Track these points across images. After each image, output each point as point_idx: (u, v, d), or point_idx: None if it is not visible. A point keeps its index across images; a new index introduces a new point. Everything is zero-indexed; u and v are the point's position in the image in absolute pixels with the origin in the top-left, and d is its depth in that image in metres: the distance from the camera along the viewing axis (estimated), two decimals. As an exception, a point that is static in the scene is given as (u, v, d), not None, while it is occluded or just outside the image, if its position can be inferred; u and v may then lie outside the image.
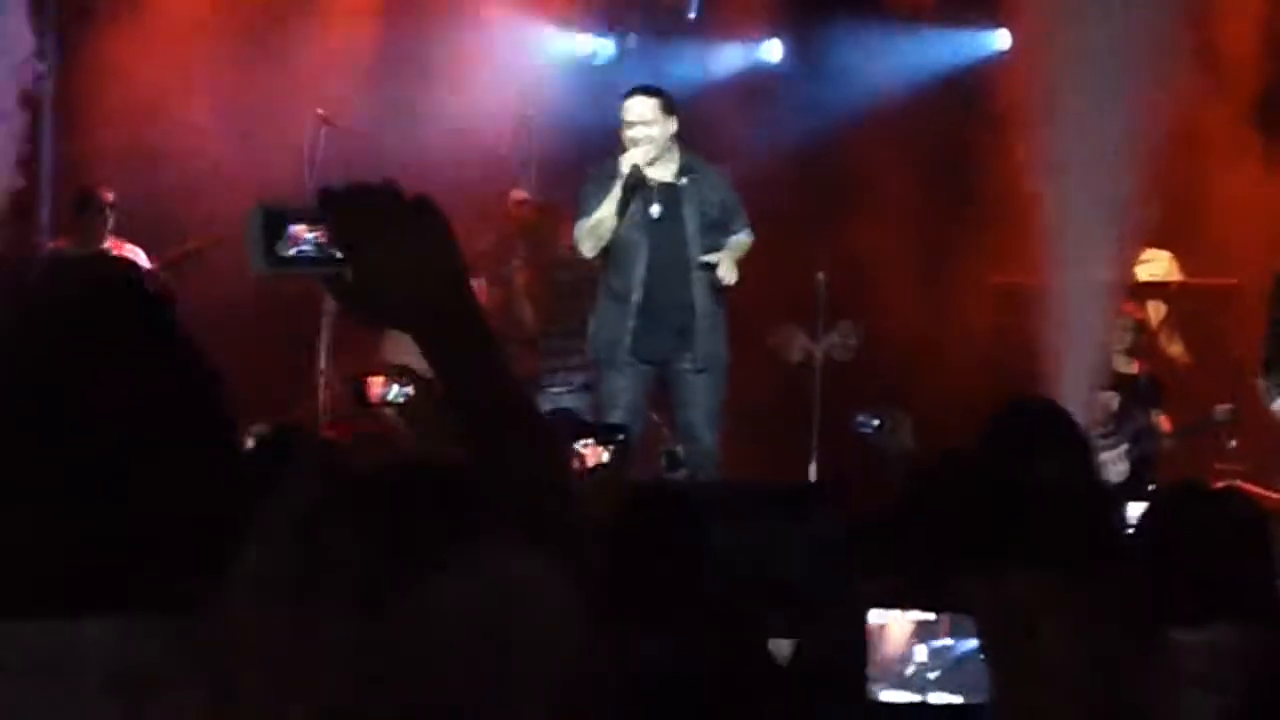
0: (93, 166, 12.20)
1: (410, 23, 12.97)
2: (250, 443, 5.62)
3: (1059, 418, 3.81)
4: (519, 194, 12.22)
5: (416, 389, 8.13)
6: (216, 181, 11.42)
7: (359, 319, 2.21)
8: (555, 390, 11.50)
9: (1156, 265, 11.77)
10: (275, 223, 2.19)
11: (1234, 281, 11.31)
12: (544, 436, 2.26)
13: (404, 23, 12.97)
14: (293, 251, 2.19)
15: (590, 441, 6.68)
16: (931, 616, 3.80)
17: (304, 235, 2.18)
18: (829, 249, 11.80)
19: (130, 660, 1.97)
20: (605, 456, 6.62)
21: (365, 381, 7.01)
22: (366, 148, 12.37)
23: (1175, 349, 11.64)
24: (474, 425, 2.20)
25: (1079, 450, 3.64)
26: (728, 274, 9.09)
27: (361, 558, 3.01)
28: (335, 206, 2.17)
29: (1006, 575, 3.26)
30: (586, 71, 13.24)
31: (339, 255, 2.17)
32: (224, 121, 12.41)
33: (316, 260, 2.19)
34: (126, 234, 11.76)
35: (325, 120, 12.30)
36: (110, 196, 11.71)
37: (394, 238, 2.15)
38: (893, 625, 3.96)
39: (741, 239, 9.28)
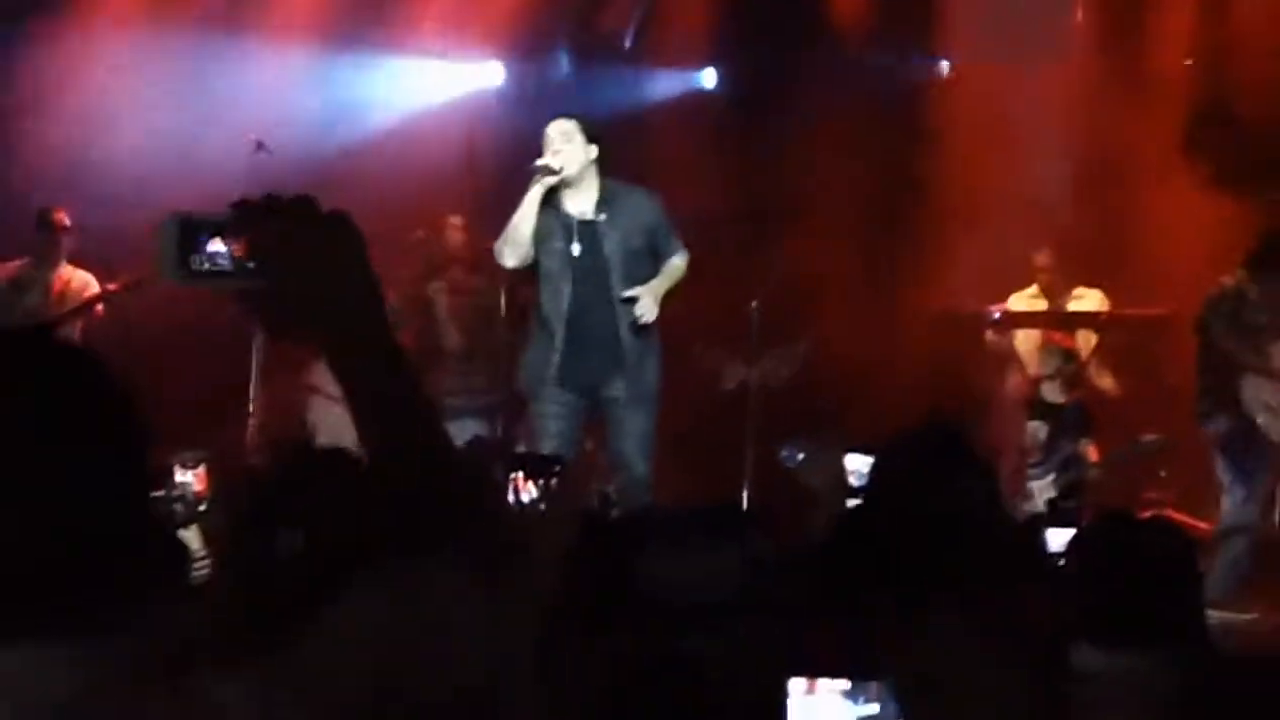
0: (29, 188, 12.13)
1: (345, 50, 12.92)
2: (179, 471, 5.60)
3: (952, 443, 3.78)
4: (455, 220, 12.22)
5: None
6: (147, 207, 11.34)
7: (270, 331, 2.19)
8: (456, 418, 11.54)
9: (1087, 303, 11.84)
10: (189, 234, 2.17)
11: (1164, 311, 11.36)
12: (448, 452, 2.24)
13: (339, 49, 12.91)
14: (206, 263, 2.17)
15: (522, 474, 6.65)
16: (848, 685, 3.77)
17: (218, 247, 2.16)
18: (764, 275, 11.81)
19: (44, 689, 1.94)
20: (534, 491, 6.60)
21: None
22: (300, 172, 12.36)
23: (1105, 381, 11.69)
24: (379, 439, 2.18)
25: (974, 477, 3.61)
26: (647, 312, 9.00)
27: (275, 577, 2.99)
28: (249, 219, 2.15)
29: (923, 641, 3.24)
30: (522, 99, 13.23)
31: (252, 267, 2.15)
32: (157, 145, 12.35)
33: (230, 272, 2.17)
34: (79, 258, 11.73)
35: (258, 145, 12.26)
36: (66, 219, 11.68)
37: (308, 251, 2.13)
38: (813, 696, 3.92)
39: (674, 264, 9.20)
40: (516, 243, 8.99)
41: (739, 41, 13.05)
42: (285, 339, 2.20)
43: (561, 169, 8.91)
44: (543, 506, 6.35)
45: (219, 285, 2.19)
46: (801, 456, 4.25)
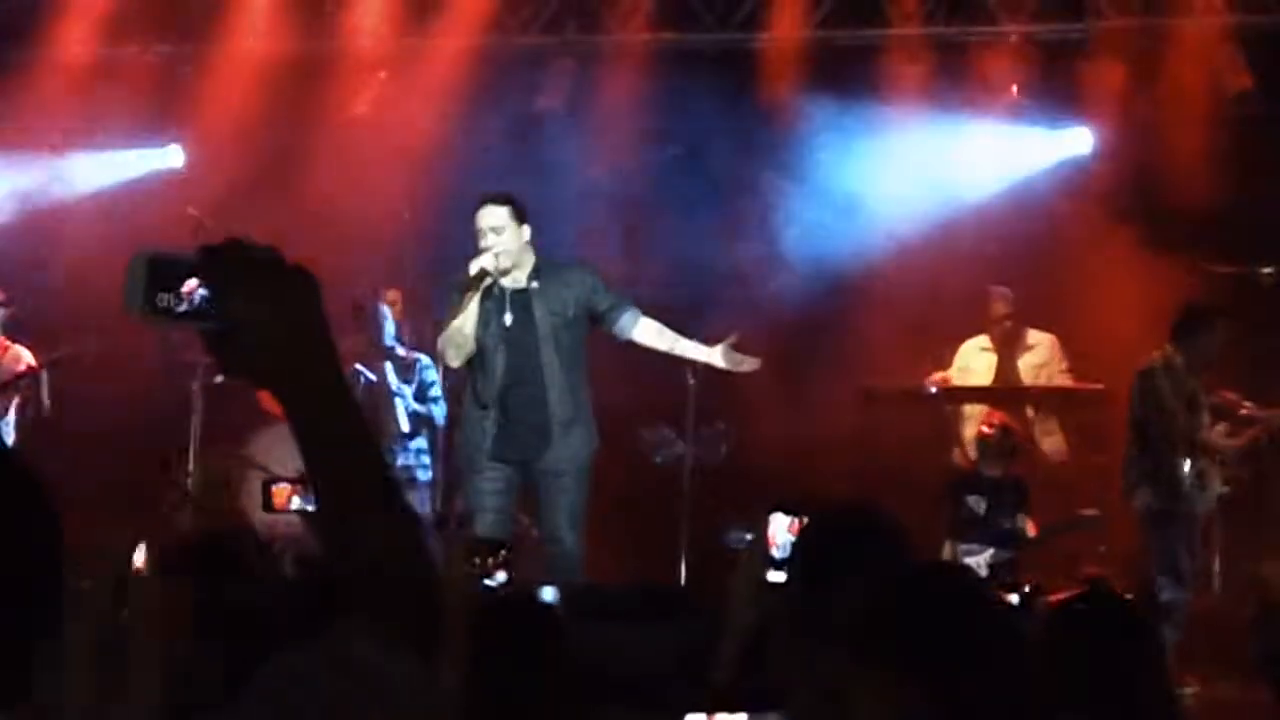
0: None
1: (286, 124, 12.95)
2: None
3: (871, 522, 3.80)
4: (392, 294, 12.23)
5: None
6: (89, 281, 11.35)
7: (228, 373, 2.22)
8: (400, 478, 11.53)
9: (1039, 352, 11.92)
10: (159, 272, 2.21)
11: (1100, 386, 11.44)
12: (401, 504, 2.27)
13: (281, 122, 12.94)
14: (171, 302, 2.20)
15: (485, 560, 6.63)
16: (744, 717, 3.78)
17: (185, 287, 2.20)
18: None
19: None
20: (502, 577, 6.58)
21: (271, 490, 7.00)
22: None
23: (1050, 442, 11.74)
24: (329, 491, 2.21)
25: (892, 558, 3.62)
26: (748, 364, 9.24)
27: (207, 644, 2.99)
28: (215, 263, 2.18)
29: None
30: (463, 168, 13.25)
31: (215, 309, 2.19)
32: (99, 222, 12.36)
33: (193, 313, 2.20)
34: (13, 332, 11.71)
35: (199, 221, 12.29)
36: (1, 294, 11.68)
37: (269, 297, 2.17)
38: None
39: (646, 324, 9.16)
40: (460, 345, 9.00)
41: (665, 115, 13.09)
42: (242, 379, 2.23)
43: (498, 268, 8.94)
44: (495, 587, 6.33)
45: (182, 324, 2.23)
46: (750, 538, 4.27)
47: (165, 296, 2.21)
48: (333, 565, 2.18)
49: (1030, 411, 11.87)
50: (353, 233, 12.43)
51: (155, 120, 12.97)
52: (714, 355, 9.28)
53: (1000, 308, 12.03)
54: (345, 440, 2.21)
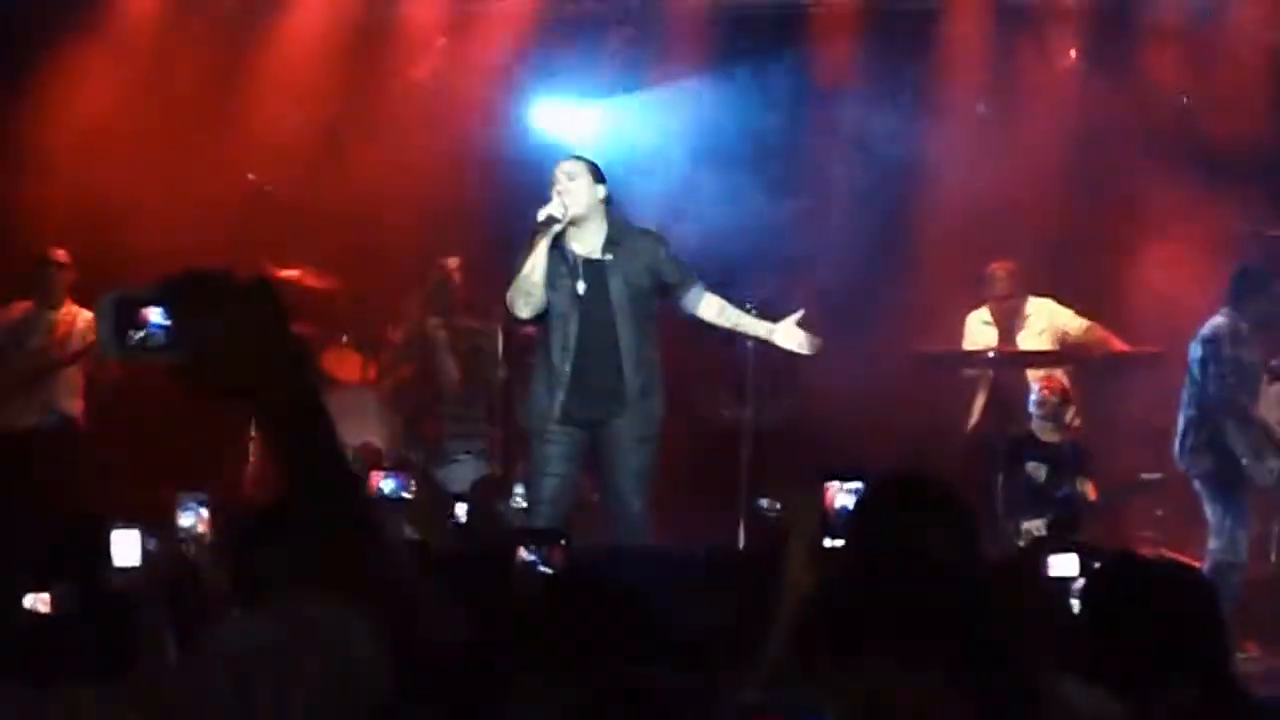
0: (30, 225, 12.22)
1: (344, 89, 13.01)
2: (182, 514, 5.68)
3: (928, 489, 3.84)
4: (453, 261, 12.29)
5: (419, 488, 8.19)
6: (150, 244, 11.44)
7: (200, 399, 2.31)
8: (456, 456, 11.60)
9: (1035, 321, 11.88)
10: (126, 310, 2.30)
11: (1159, 350, 11.40)
12: (362, 503, 2.37)
13: (338, 87, 13.00)
14: (141, 338, 2.29)
15: (534, 551, 6.68)
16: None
17: (151, 322, 2.28)
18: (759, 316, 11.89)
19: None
20: (539, 562, 6.64)
21: (366, 473, 7.01)
22: (298, 211, 12.47)
23: (1068, 414, 11.70)
24: (299, 492, 2.30)
25: (954, 524, 3.67)
26: (806, 344, 9.27)
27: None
28: (174, 294, 2.27)
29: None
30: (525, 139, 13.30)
31: (178, 340, 2.28)
32: (160, 185, 12.43)
33: (162, 346, 2.29)
34: (83, 299, 11.78)
35: (257, 185, 12.38)
36: (63, 256, 11.74)
37: (226, 322, 2.25)
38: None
39: (712, 301, 9.25)
40: (529, 293, 9.01)
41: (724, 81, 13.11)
42: (214, 405, 2.32)
43: (566, 214, 8.96)
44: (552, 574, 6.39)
45: (154, 358, 2.31)
46: (778, 506, 4.32)
47: (134, 334, 2.30)
48: (298, 545, 2.28)
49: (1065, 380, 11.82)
50: (412, 199, 12.51)
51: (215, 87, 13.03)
52: (776, 333, 9.32)
53: (1001, 286, 12.00)
54: (312, 443, 2.30)
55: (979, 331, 12.05)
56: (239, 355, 2.27)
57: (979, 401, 11.90)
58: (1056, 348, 11.82)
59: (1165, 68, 12.40)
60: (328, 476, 2.34)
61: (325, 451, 2.35)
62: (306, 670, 2.17)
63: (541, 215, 8.95)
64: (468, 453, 11.88)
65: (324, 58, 12.94)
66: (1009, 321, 11.95)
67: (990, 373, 11.95)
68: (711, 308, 9.23)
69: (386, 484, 6.87)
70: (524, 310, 9.10)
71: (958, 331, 12.12)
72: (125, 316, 2.32)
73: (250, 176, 12.45)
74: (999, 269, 12.02)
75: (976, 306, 12.13)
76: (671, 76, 12.94)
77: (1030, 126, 12.54)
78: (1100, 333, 11.70)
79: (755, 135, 13.05)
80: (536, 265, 8.95)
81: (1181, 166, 12.18)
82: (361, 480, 2.35)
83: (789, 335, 9.29)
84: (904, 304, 12.30)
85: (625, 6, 13.02)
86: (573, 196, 8.96)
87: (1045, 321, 11.88)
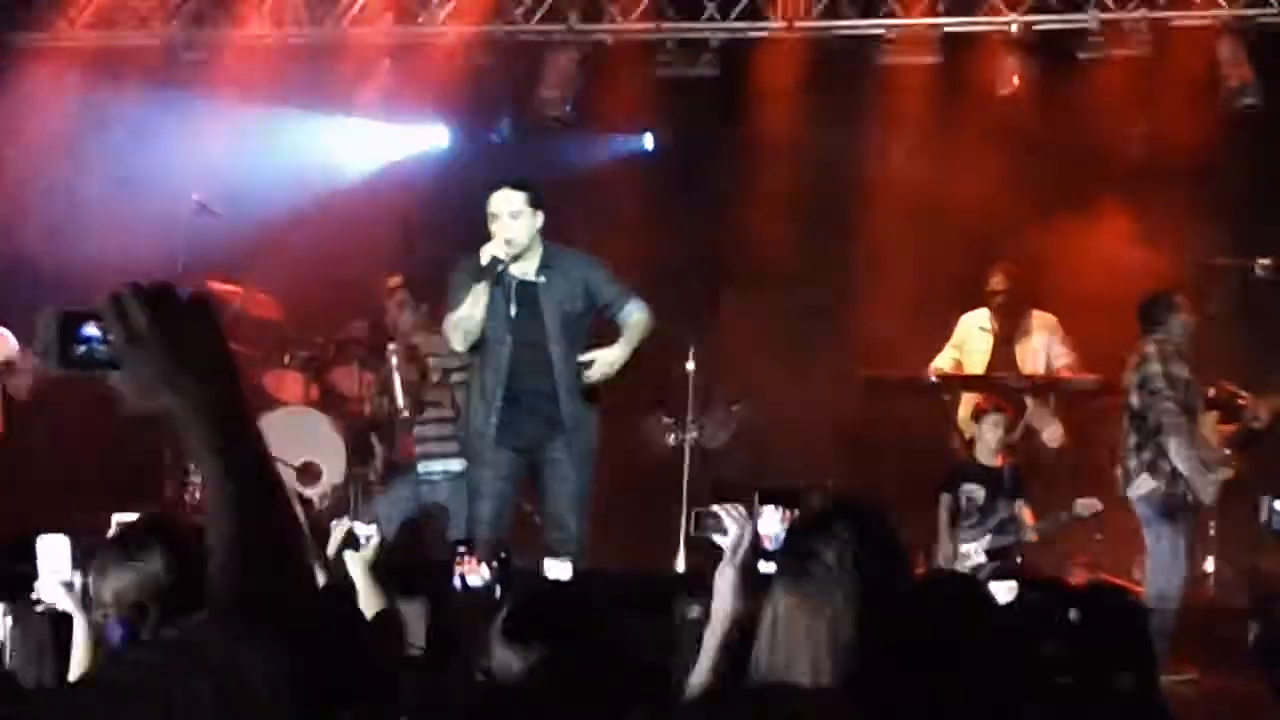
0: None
1: (287, 110, 13.00)
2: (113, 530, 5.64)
3: (859, 514, 3.85)
4: (394, 280, 12.27)
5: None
6: (89, 262, 11.39)
7: (139, 412, 2.32)
8: (433, 477, 11.55)
9: (1038, 337, 11.91)
10: (70, 324, 2.32)
11: (1096, 377, 11.46)
12: (292, 529, 2.38)
13: (281, 108, 12.99)
14: (84, 352, 2.31)
15: (471, 559, 6.69)
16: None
17: (93, 336, 2.31)
18: (700, 337, 11.92)
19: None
20: (487, 574, 6.64)
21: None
22: (239, 232, 12.45)
23: (1049, 431, 11.73)
24: (227, 511, 2.31)
25: (882, 547, 3.69)
26: (595, 373, 9.09)
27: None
28: (116, 309, 2.28)
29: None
30: (462, 164, 13.32)
31: (119, 354, 2.30)
32: (99, 202, 12.40)
33: (104, 360, 2.31)
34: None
35: (201, 205, 12.35)
36: None
37: (165, 337, 2.27)
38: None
39: (636, 319, 9.21)
40: (469, 331, 9.04)
41: (676, 106, 13.13)
42: (144, 411, 2.34)
43: (509, 254, 8.97)
44: (495, 590, 6.39)
45: (96, 372, 2.33)
46: (711, 521, 4.34)
47: (77, 348, 2.33)
48: (212, 567, 2.29)
49: (1028, 399, 11.88)
50: (358, 219, 12.51)
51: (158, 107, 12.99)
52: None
53: (999, 281, 12.01)
54: (240, 461, 2.31)
55: (974, 338, 12.01)
56: (176, 370, 2.29)
57: (959, 421, 11.87)
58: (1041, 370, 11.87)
59: (1109, 95, 12.48)
60: (257, 494, 2.35)
61: (257, 467, 2.35)
62: (194, 698, 2.16)
63: (485, 258, 8.95)
64: (441, 476, 11.71)
65: (269, 77, 12.91)
66: (1008, 329, 11.94)
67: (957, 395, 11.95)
68: (644, 325, 9.23)
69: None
70: (460, 345, 9.14)
71: (910, 354, 12.11)
72: (68, 330, 2.34)
73: (195, 197, 12.42)
74: (999, 268, 12.01)
75: (945, 314, 12.12)
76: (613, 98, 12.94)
77: (973, 153, 12.60)
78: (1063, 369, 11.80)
79: (698, 155, 13.09)
80: (479, 305, 8.96)
81: (1125, 195, 12.29)
82: (289, 500, 2.34)
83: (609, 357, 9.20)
84: (851, 325, 12.34)
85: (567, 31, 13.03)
86: (516, 231, 8.96)
87: (1043, 343, 11.89)
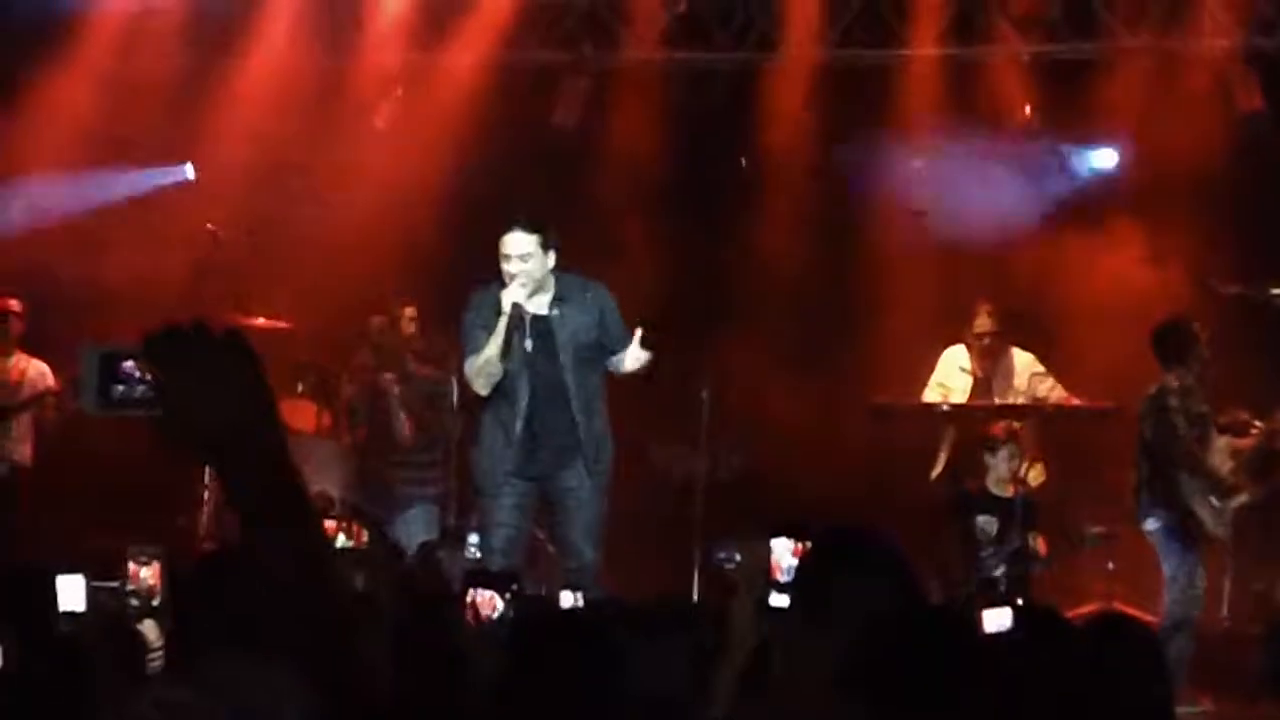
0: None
1: (298, 139, 13.00)
2: (134, 565, 5.67)
3: (873, 547, 3.86)
4: (409, 308, 12.28)
5: (371, 540, 8.18)
6: (109, 293, 11.45)
7: (174, 452, 2.32)
8: (412, 506, 11.61)
9: (1017, 379, 11.88)
10: (108, 365, 2.32)
11: (1113, 405, 11.44)
12: (327, 562, 2.38)
13: (293, 139, 12.99)
14: (123, 393, 2.31)
15: (487, 593, 6.69)
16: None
17: (134, 376, 2.30)
18: (713, 367, 11.92)
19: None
20: (500, 605, 6.64)
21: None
22: (256, 259, 12.47)
23: (1032, 472, 11.64)
24: (263, 549, 2.31)
25: (889, 577, 3.69)
26: (631, 361, 9.11)
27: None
28: (152, 350, 2.28)
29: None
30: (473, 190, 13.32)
31: (157, 395, 2.29)
32: (117, 233, 12.45)
33: (143, 400, 2.30)
34: (32, 346, 11.75)
35: (213, 234, 12.38)
36: (16, 305, 11.71)
37: (200, 378, 2.27)
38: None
39: (629, 369, 9.25)
40: (491, 375, 9.06)
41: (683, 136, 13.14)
42: (189, 459, 2.34)
43: (527, 295, 8.99)
44: (507, 621, 6.39)
45: (135, 413, 2.33)
46: (737, 558, 4.34)
47: (116, 389, 2.33)
48: (247, 601, 2.29)
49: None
50: (372, 246, 12.51)
51: (173, 133, 13.03)
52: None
53: (984, 323, 11.98)
54: (280, 504, 2.31)
55: (955, 377, 11.98)
56: (215, 410, 2.29)
57: (942, 452, 11.85)
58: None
59: (1119, 122, 12.50)
60: (296, 529, 2.35)
61: (293, 505, 2.36)
62: None
63: (506, 305, 8.96)
64: (421, 502, 11.85)
65: (281, 106, 12.93)
66: (987, 370, 11.91)
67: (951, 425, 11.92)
68: (630, 360, 9.22)
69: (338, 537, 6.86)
70: (484, 389, 9.15)
71: (916, 381, 12.10)
72: (107, 371, 2.33)
73: (209, 226, 12.44)
74: (983, 308, 11.97)
75: (952, 343, 12.09)
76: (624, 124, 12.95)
77: (982, 179, 12.62)
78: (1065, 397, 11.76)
79: (707, 182, 13.11)
80: (497, 348, 8.98)
81: (1135, 218, 12.29)
82: (326, 534, 2.37)
83: (633, 357, 9.20)
84: (860, 353, 12.33)
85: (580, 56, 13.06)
86: (529, 272, 8.98)
87: (1024, 381, 11.85)
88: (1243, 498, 10.29)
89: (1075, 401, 11.74)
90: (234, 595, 2.33)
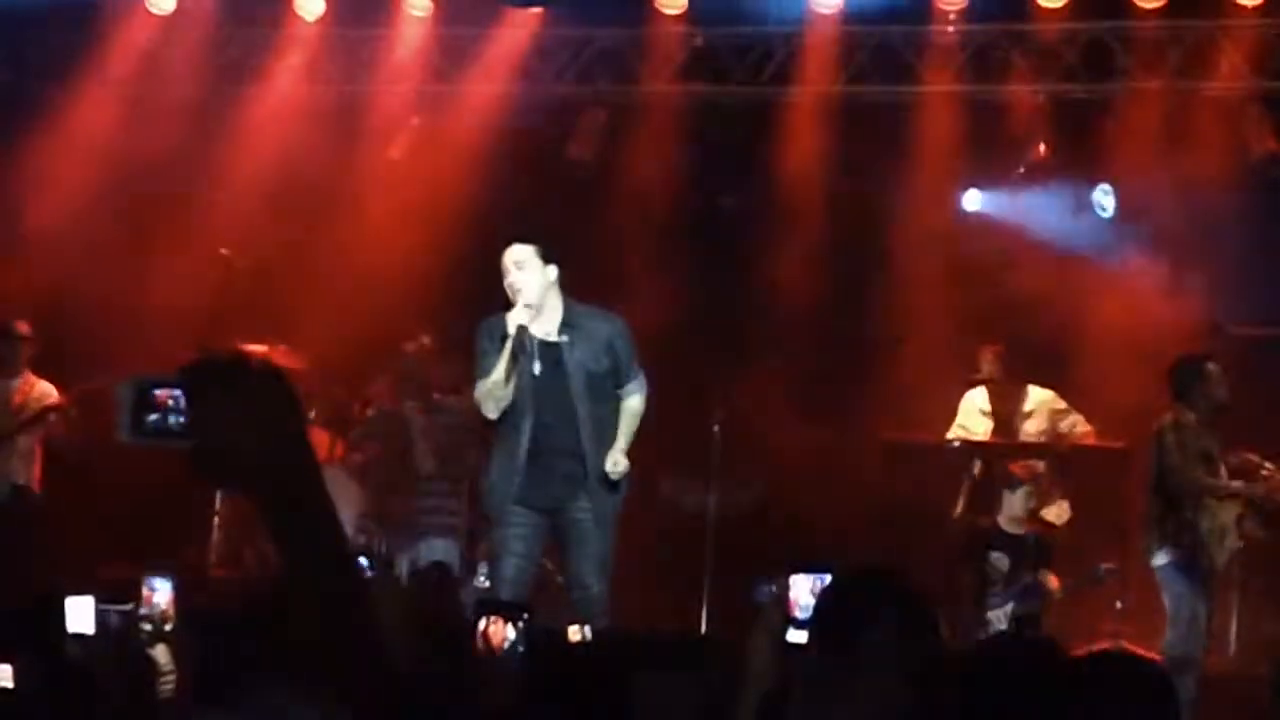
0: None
1: (314, 167, 13.04)
2: (147, 589, 5.68)
3: (890, 586, 3.87)
4: (426, 337, 12.29)
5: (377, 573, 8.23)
6: (123, 317, 11.48)
7: (213, 485, 2.35)
8: (429, 530, 11.62)
9: (1036, 419, 11.92)
10: (145, 395, 2.33)
11: (1120, 445, 11.46)
12: (361, 596, 2.38)
13: (308, 167, 13.03)
14: (158, 423, 2.33)
15: (495, 620, 6.70)
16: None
17: (169, 406, 2.32)
18: (725, 401, 11.94)
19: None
20: (512, 634, 6.64)
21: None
22: (270, 287, 12.50)
23: (1054, 510, 11.68)
24: (300, 580, 2.32)
25: (914, 619, 3.70)
26: (615, 468, 9.06)
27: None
28: (188, 379, 2.30)
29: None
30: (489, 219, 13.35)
31: (193, 427, 2.31)
32: (131, 260, 12.48)
33: (178, 432, 2.32)
34: (39, 367, 11.79)
35: (228, 261, 12.42)
36: (25, 329, 11.75)
37: (237, 410, 2.29)
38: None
39: (632, 406, 9.16)
40: (499, 399, 9.01)
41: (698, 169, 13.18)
42: (220, 489, 2.37)
43: (532, 315, 8.95)
44: (518, 651, 6.39)
45: (169, 444, 2.35)
46: (774, 589, 4.35)
47: (150, 418, 2.35)
48: (292, 635, 2.30)
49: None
50: (386, 276, 12.54)
51: (190, 160, 13.07)
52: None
53: (988, 368, 12.04)
54: (315, 535, 2.33)
55: (975, 420, 12.03)
56: (251, 442, 2.30)
57: (963, 493, 11.86)
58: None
59: (1135, 162, 12.52)
60: (330, 560, 2.36)
61: (328, 535, 2.37)
62: None
63: (511, 327, 8.92)
64: (441, 534, 11.83)
65: (297, 135, 12.99)
66: (1006, 409, 11.96)
67: (976, 462, 11.93)
68: (629, 411, 9.19)
69: None
70: (493, 413, 9.07)
71: (932, 418, 12.13)
72: (142, 401, 2.35)
73: (223, 252, 12.48)
74: (986, 353, 12.04)
75: (967, 381, 12.14)
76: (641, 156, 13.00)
77: (998, 216, 12.66)
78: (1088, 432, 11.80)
79: (721, 216, 13.16)
80: (503, 371, 8.95)
81: (1149, 262, 12.31)
82: (359, 564, 2.38)
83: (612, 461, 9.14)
84: (873, 389, 12.34)
85: (596, 90, 13.11)
86: (525, 287, 8.93)
87: (1045, 421, 11.90)
88: (1238, 541, 10.29)
89: (1088, 441, 11.76)
90: (272, 624, 2.34)
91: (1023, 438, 11.89)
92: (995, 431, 11.98)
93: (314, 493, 2.36)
